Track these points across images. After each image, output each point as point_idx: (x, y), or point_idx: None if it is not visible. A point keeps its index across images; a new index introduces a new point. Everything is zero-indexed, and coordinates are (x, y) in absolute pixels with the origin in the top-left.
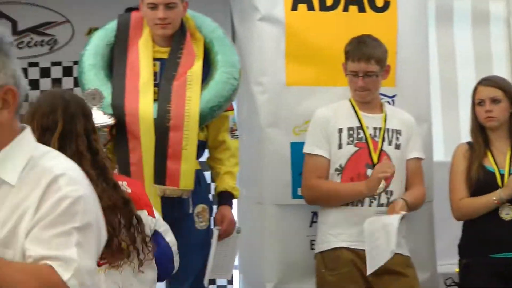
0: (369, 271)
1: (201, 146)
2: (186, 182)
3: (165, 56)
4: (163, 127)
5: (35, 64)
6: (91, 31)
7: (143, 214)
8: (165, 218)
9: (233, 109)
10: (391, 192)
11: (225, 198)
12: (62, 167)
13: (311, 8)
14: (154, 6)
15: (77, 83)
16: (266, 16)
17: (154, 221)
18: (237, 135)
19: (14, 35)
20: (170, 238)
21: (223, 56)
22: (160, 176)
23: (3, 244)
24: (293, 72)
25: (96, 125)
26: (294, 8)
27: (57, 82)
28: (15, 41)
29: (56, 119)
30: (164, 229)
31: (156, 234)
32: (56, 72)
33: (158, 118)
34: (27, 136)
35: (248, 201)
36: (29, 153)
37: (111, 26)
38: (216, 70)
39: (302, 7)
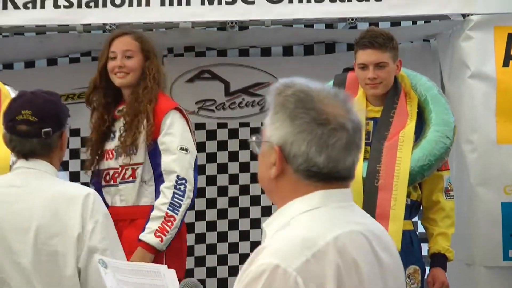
0: None
1: (415, 206)
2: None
3: (378, 115)
4: (371, 187)
5: (246, 124)
6: None
7: None
8: None
9: (448, 169)
10: None
11: (438, 259)
12: (279, 240)
13: None
14: (364, 66)
15: None
16: (476, 73)
17: None
18: (452, 196)
19: (226, 96)
20: None
21: (436, 114)
22: None
23: None
24: (504, 129)
25: None
26: (506, 64)
27: None
28: (227, 101)
29: None
30: None
31: None
32: None
33: (367, 177)
34: (305, 198)
35: (457, 262)
36: (291, 215)
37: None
38: (428, 129)
39: None
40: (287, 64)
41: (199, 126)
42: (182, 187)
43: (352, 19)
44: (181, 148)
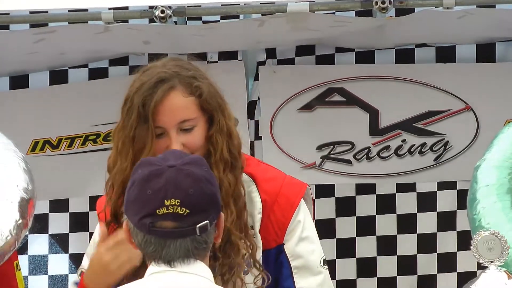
0: None
1: None
2: None
3: None
4: None
5: (409, 187)
6: None
7: None
8: None
9: None
10: None
11: None
12: None
13: None
14: None
15: None
16: None
17: None
18: None
19: (373, 135)
20: None
21: None
22: None
23: None
24: None
25: None
26: None
27: None
28: (375, 145)
29: None
30: None
31: None
32: None
33: None
34: None
35: None
36: None
37: None
38: None
39: None
40: (485, 76)
41: (324, 191)
42: None
43: None
44: (324, 262)
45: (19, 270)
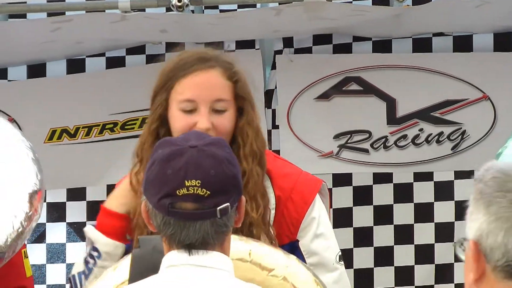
0: None
1: None
2: None
3: None
4: None
5: (426, 176)
6: None
7: None
8: None
9: None
10: None
11: None
12: None
13: None
14: None
15: None
16: None
17: None
18: None
19: (390, 124)
20: None
21: None
22: None
23: None
24: None
25: None
26: None
27: None
28: (392, 134)
29: None
30: None
31: None
32: None
33: None
34: None
35: None
36: None
37: None
38: None
39: None
40: (502, 65)
41: (341, 180)
42: None
43: None
44: (340, 258)
45: (27, 257)
